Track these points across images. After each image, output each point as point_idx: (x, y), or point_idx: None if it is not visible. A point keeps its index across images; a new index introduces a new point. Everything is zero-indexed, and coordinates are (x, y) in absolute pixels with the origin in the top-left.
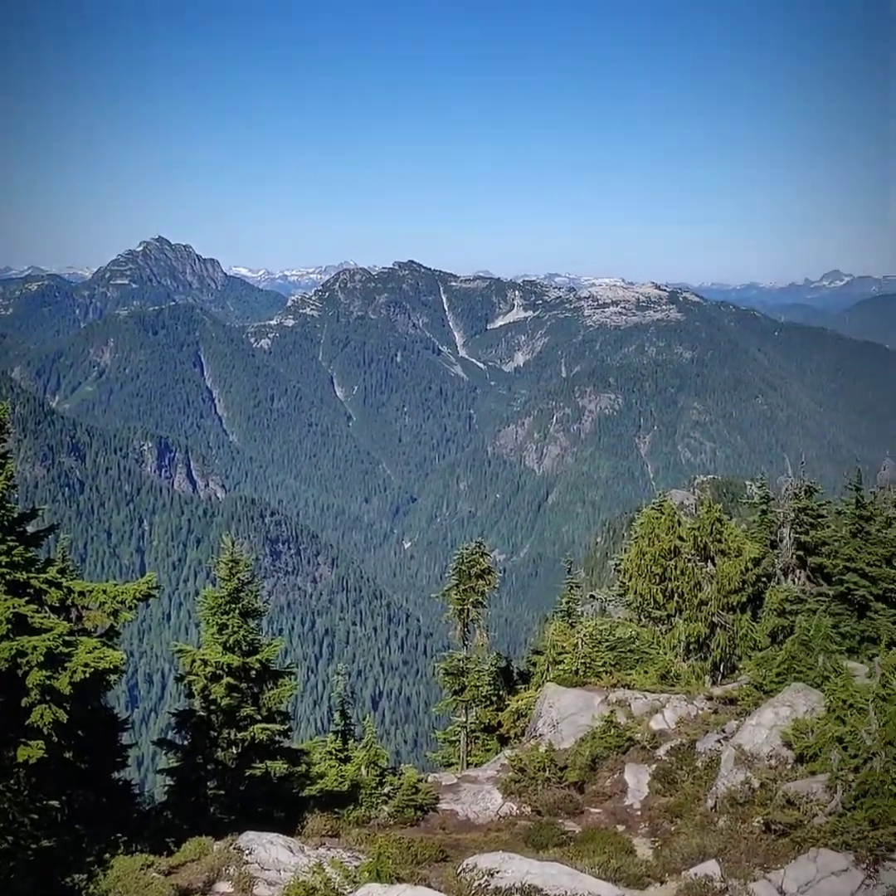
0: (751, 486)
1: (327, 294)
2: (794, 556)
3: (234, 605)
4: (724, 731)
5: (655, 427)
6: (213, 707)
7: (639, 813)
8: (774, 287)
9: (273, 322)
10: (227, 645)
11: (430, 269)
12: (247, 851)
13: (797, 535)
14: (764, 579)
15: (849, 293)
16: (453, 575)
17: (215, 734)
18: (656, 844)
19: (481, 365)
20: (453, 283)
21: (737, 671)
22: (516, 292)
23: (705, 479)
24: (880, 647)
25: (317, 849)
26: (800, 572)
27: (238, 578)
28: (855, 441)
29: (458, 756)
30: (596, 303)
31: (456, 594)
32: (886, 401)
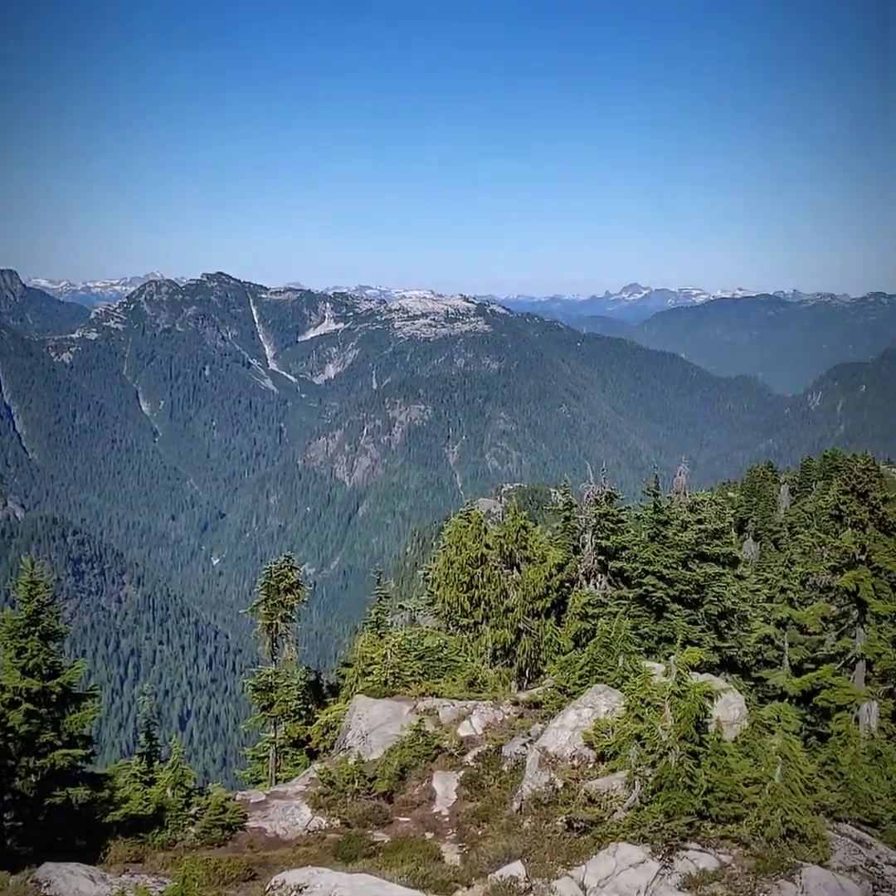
0: (555, 493)
1: (132, 306)
2: (596, 561)
3: (33, 628)
4: (529, 734)
5: (464, 437)
6: (10, 735)
7: (447, 819)
8: (577, 299)
9: (75, 335)
10: (26, 669)
11: (239, 280)
12: (45, 884)
13: (598, 541)
14: (567, 584)
15: (647, 305)
16: (262, 590)
17: (12, 763)
18: (464, 849)
19: (292, 378)
20: (263, 295)
21: (542, 675)
22: (327, 304)
23: (512, 487)
24: (676, 646)
25: (120, 876)
26: (601, 576)
27: (38, 600)
28: (653, 447)
29: (267, 773)
30: (406, 315)
31: (265, 609)
32: (682, 408)
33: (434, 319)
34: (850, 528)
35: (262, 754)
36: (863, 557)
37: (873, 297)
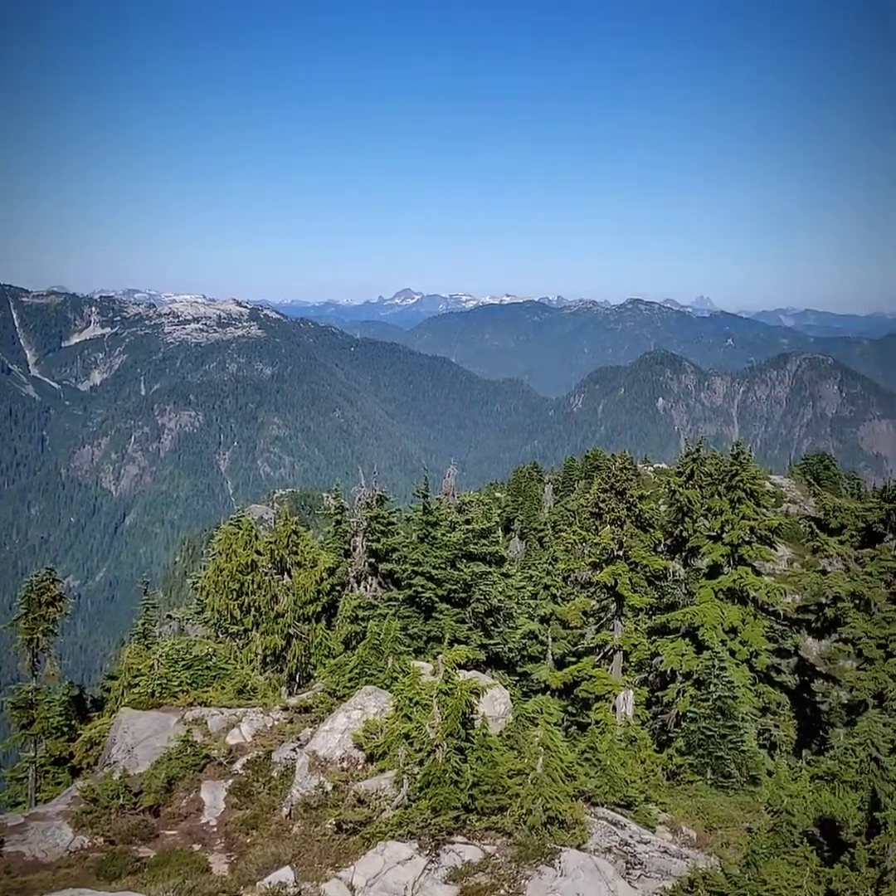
0: (327, 497)
1: None
2: (367, 564)
3: None
4: (299, 739)
5: (236, 443)
6: None
7: (215, 829)
8: (351, 304)
9: None
10: None
11: None
12: None
13: (369, 543)
14: (338, 588)
15: (419, 311)
16: (22, 604)
17: None
18: (232, 858)
19: (55, 384)
20: (24, 299)
21: (312, 680)
22: (94, 308)
23: (284, 492)
24: (444, 645)
25: None
26: (372, 579)
27: None
28: (424, 450)
29: (27, 794)
30: (177, 319)
31: (25, 623)
32: (452, 411)
33: (206, 324)
34: (608, 525)
35: (21, 775)
36: (620, 553)
37: (632, 303)
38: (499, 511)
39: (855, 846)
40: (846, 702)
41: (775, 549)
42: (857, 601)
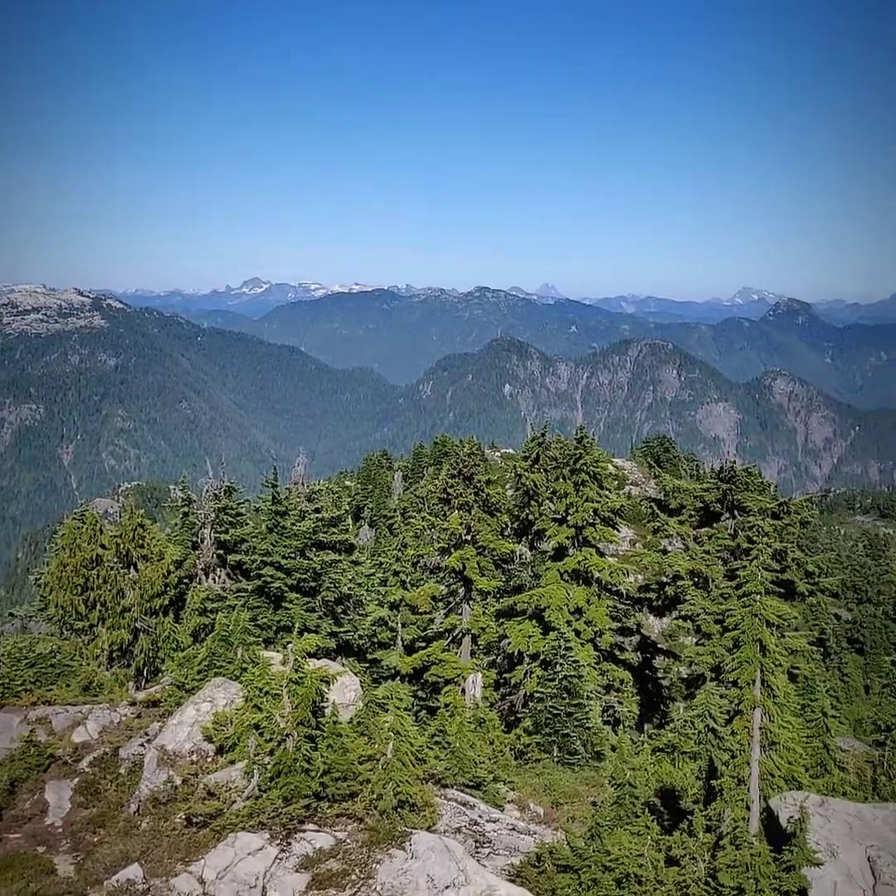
0: (174, 489)
1: None
2: (215, 556)
3: None
4: (147, 734)
5: (79, 436)
6: None
7: (61, 830)
8: (197, 293)
9: None
10: None
11: None
12: None
13: (217, 535)
14: (186, 580)
15: (267, 300)
16: None
17: None
18: (79, 859)
19: None
20: None
21: (161, 674)
22: None
23: (130, 486)
24: (294, 635)
25: None
26: (221, 570)
27: None
28: (273, 439)
29: None
30: (16, 309)
31: None
32: (302, 401)
33: (46, 314)
34: (456, 511)
35: None
36: (468, 537)
37: (479, 292)
38: (348, 499)
39: (693, 813)
40: (686, 676)
41: (618, 531)
42: (695, 579)
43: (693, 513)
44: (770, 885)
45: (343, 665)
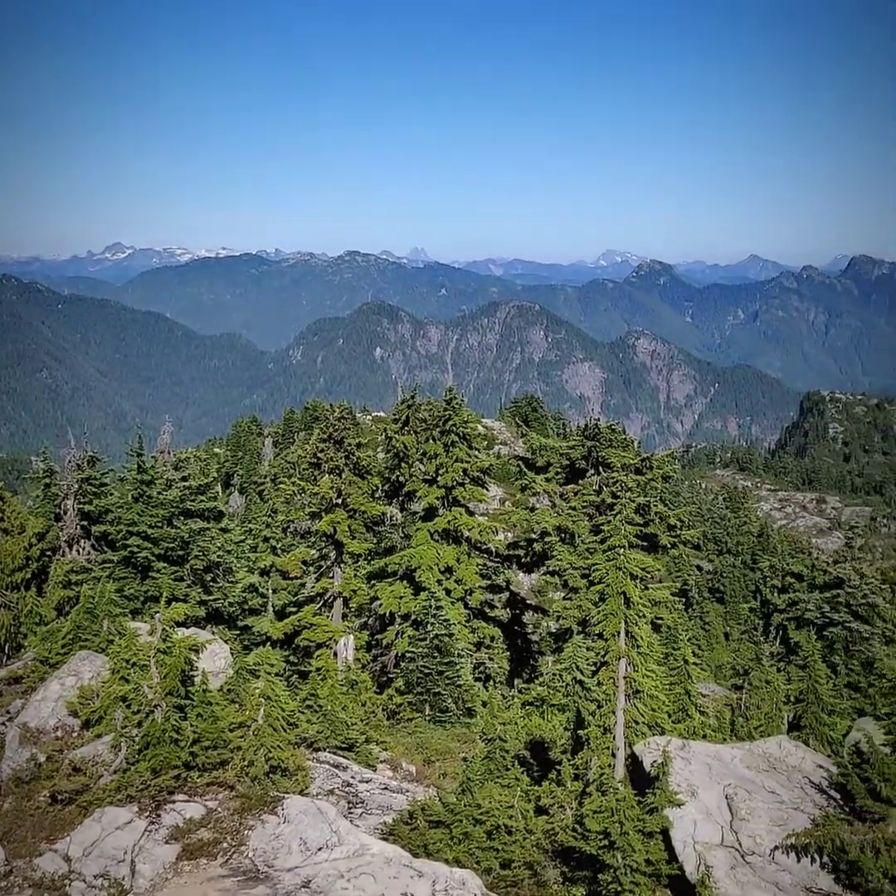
0: (35, 461)
1: None
2: (79, 527)
3: None
4: (8, 711)
5: None
6: None
7: None
8: (58, 259)
9: None
10: None
11: None
12: None
13: (81, 506)
14: (49, 553)
15: (131, 265)
16: None
17: None
18: None
19: None
20: None
21: (24, 649)
22: None
23: None
24: (161, 604)
25: None
26: (85, 542)
27: None
28: (139, 408)
29: None
30: None
31: None
32: (168, 368)
33: None
34: (327, 475)
35: None
36: (339, 501)
37: (349, 255)
38: (218, 467)
39: (561, 764)
40: (554, 631)
41: (487, 490)
42: (562, 535)
43: (560, 470)
44: (634, 827)
45: (213, 633)
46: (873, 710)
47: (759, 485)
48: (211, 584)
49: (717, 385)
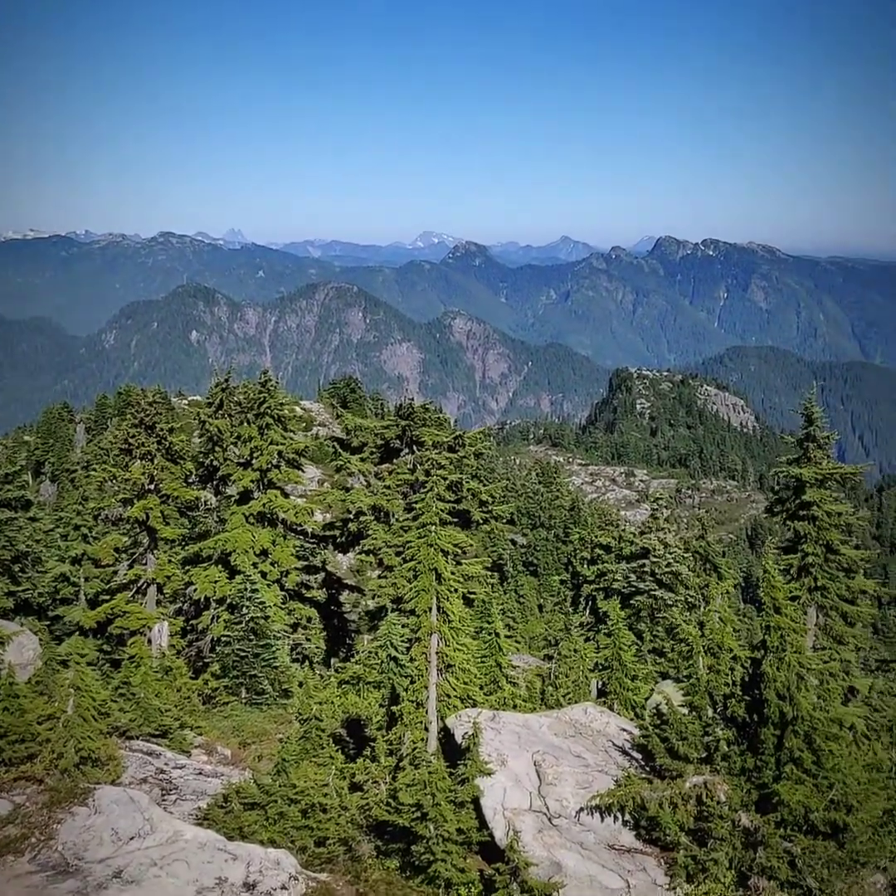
0: None
1: None
2: None
3: None
4: None
5: None
6: None
7: None
8: None
9: None
10: None
11: None
12: None
13: None
14: None
15: None
16: None
17: None
18: None
19: None
20: None
21: None
22: None
23: None
24: None
25: None
26: None
27: None
28: None
29: None
30: None
31: None
32: None
33: None
34: (139, 460)
35: None
36: (151, 487)
37: (163, 237)
38: (27, 454)
39: (376, 740)
40: (371, 609)
41: (303, 472)
42: (377, 514)
43: (374, 450)
44: (446, 798)
45: (21, 624)
46: (677, 674)
47: (570, 460)
48: (19, 574)
49: (530, 363)
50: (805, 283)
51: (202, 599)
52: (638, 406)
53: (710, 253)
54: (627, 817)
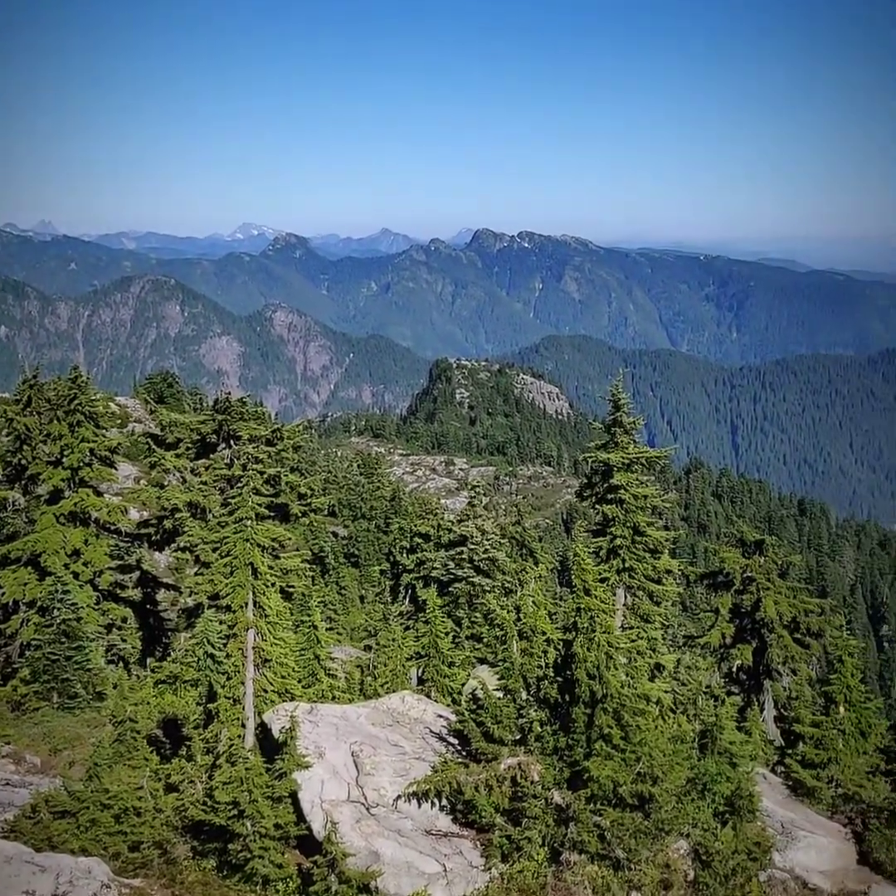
0: None
1: None
2: None
3: None
4: None
5: None
6: None
7: None
8: None
9: None
10: None
11: None
12: None
13: None
14: None
15: None
16: None
17: None
18: None
19: None
20: None
21: None
22: None
23: None
24: None
25: None
26: None
27: None
28: None
29: None
30: None
31: None
32: None
33: None
34: None
35: None
36: None
37: None
38: None
39: (192, 739)
40: (189, 607)
41: (116, 469)
42: (193, 510)
43: (190, 445)
44: (263, 793)
45: None
46: (493, 659)
47: (392, 450)
48: None
49: (352, 355)
50: (616, 275)
51: (11, 603)
52: (457, 396)
53: (526, 245)
54: (444, 802)
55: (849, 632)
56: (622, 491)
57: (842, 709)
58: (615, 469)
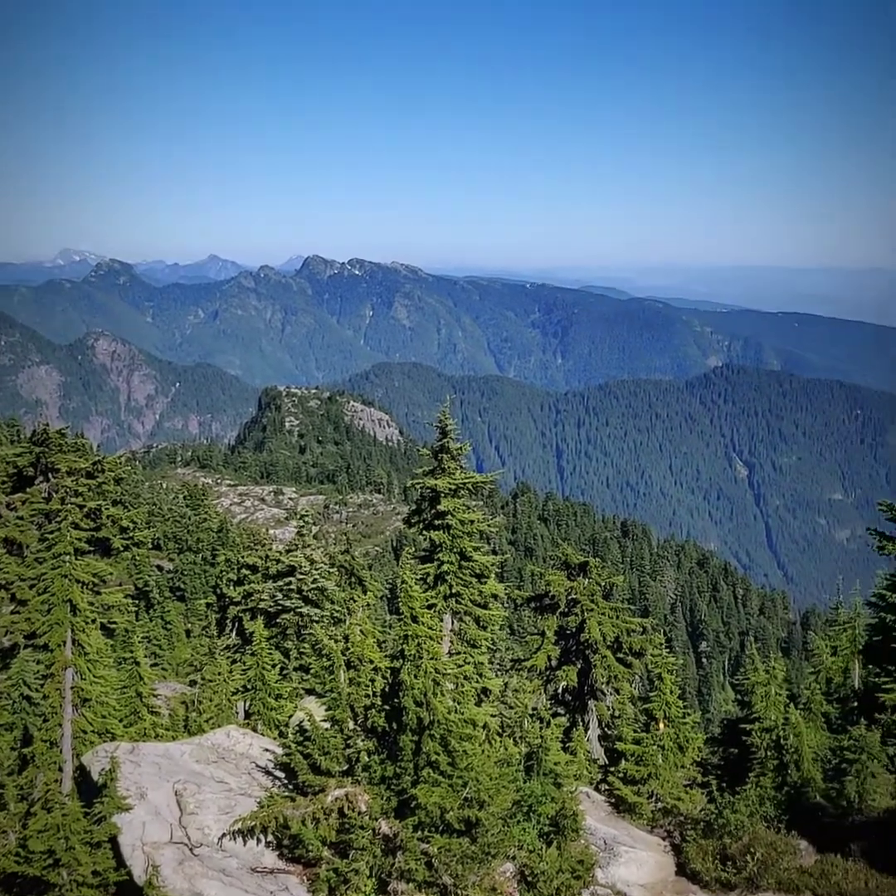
0: None
1: None
2: None
3: None
4: None
5: None
6: None
7: None
8: None
9: None
10: None
11: None
12: None
13: None
14: None
15: None
16: None
17: None
18: None
19: None
20: None
21: None
22: None
23: None
24: None
25: None
26: None
27: None
28: None
29: None
30: None
31: None
32: None
33: None
34: None
35: None
36: None
37: None
38: None
39: (6, 787)
40: (4, 647)
41: None
42: (10, 546)
43: (6, 479)
44: (81, 840)
45: None
46: (321, 689)
47: (219, 481)
48: None
49: (178, 384)
50: (445, 302)
51: None
52: (287, 424)
53: (356, 272)
54: (270, 838)
55: (669, 649)
56: (449, 517)
57: (662, 725)
58: (442, 495)
